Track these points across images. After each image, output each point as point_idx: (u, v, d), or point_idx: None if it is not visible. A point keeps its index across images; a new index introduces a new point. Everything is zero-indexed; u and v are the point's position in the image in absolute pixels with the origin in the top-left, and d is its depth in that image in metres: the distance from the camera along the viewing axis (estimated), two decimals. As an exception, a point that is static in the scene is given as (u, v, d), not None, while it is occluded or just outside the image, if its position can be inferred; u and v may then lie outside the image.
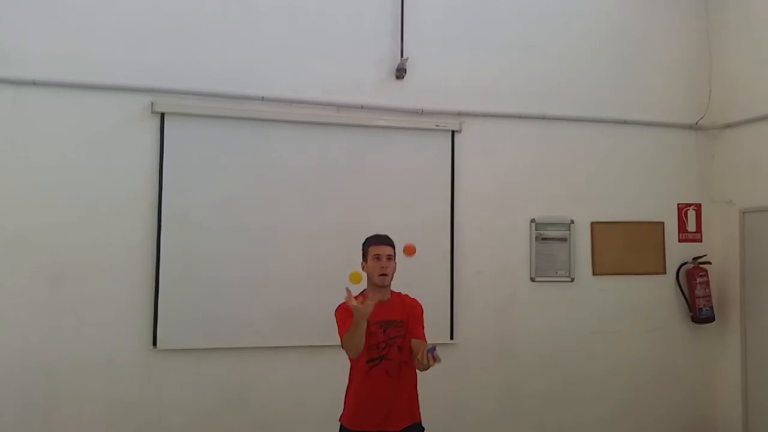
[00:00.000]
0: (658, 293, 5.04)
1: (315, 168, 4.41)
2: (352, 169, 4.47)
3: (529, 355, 4.75)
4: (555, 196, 4.87)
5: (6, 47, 3.96)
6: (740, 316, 4.89)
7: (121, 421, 4.03)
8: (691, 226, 5.16)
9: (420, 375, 3.05)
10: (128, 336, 4.06)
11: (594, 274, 4.93)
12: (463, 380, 4.61)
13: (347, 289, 2.75)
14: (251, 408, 4.23)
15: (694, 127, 5.19)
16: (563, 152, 4.91)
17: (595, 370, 4.87)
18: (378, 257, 3.01)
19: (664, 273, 5.06)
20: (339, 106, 4.48)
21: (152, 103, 4.16)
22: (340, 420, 3.06)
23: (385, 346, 2.97)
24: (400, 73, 4.55)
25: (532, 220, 4.83)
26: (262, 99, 4.33)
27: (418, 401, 3.09)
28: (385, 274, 3.00)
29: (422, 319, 3.12)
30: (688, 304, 5.04)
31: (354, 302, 2.72)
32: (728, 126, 5.07)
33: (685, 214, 5.16)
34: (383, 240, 3.07)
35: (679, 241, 5.12)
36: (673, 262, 5.08)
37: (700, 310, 4.95)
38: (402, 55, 4.55)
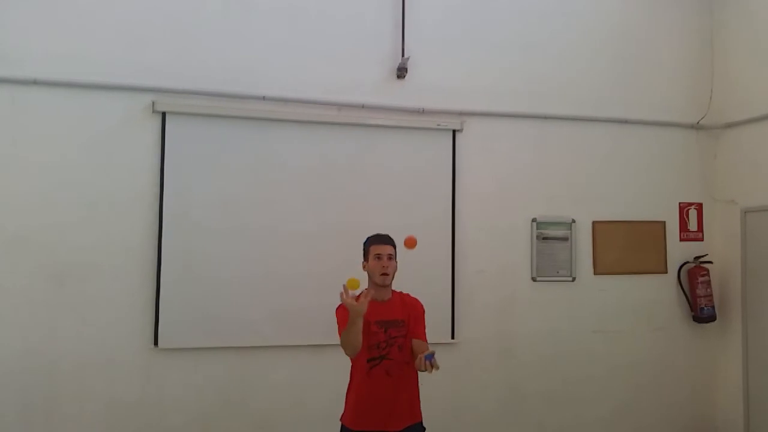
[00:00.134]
0: (659, 293, 5.04)
1: (316, 167, 4.40)
2: (352, 169, 4.47)
3: (529, 354, 4.75)
4: (556, 195, 4.87)
5: (6, 47, 3.96)
6: (742, 316, 4.88)
7: (122, 420, 4.03)
8: (693, 225, 5.16)
9: (421, 374, 3.04)
10: (129, 335, 4.06)
11: (595, 273, 4.92)
12: (463, 380, 4.60)
13: (343, 286, 2.73)
14: (251, 408, 4.23)
15: (696, 127, 5.18)
16: (564, 152, 4.90)
17: (596, 369, 4.86)
18: (379, 257, 3.00)
19: (666, 272, 5.06)
20: (340, 106, 4.48)
21: (153, 103, 4.15)
22: (340, 420, 3.05)
23: (386, 345, 2.97)
24: (401, 72, 4.54)
25: (533, 220, 4.82)
26: (263, 98, 4.33)
27: (419, 401, 3.08)
28: (386, 274, 2.99)
29: (423, 318, 3.11)
30: (689, 303, 5.04)
31: (349, 300, 2.70)
32: (729, 125, 5.07)
33: (687, 213, 5.15)
34: (384, 239, 3.07)
35: (681, 240, 5.11)
36: (674, 261, 5.08)
37: (701, 310, 4.94)
38: (403, 55, 4.55)
